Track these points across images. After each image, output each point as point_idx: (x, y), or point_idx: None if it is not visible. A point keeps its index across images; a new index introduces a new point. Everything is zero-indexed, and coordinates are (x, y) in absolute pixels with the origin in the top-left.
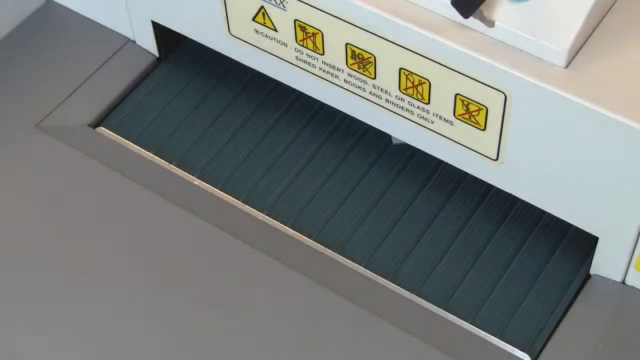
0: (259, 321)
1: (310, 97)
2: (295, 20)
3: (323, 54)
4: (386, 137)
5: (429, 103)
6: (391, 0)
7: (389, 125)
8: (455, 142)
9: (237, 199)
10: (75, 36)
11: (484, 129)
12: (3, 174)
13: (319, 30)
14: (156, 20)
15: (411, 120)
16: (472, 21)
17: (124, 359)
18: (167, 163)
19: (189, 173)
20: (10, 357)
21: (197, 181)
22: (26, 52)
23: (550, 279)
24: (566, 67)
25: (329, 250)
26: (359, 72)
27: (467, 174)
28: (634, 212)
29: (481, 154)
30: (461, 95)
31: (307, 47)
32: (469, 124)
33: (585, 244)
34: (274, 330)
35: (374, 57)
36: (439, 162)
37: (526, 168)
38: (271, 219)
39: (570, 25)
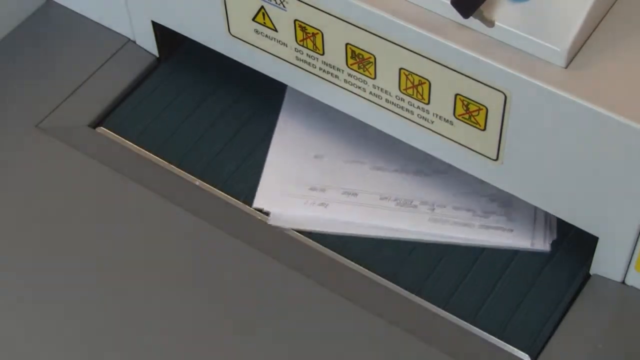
0: (262, 322)
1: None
2: (295, 20)
3: (323, 54)
4: None
5: (429, 103)
6: (391, 0)
7: (389, 125)
8: (455, 142)
9: (238, 199)
10: (75, 36)
11: (484, 129)
12: (3, 174)
13: (319, 30)
14: (156, 20)
15: (411, 120)
16: (472, 21)
17: (124, 359)
18: (167, 163)
19: (189, 173)
20: (10, 356)
21: (197, 181)
22: (26, 52)
23: (550, 279)
24: (566, 67)
25: (329, 250)
26: (359, 72)
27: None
28: (634, 212)
29: (481, 154)
30: (461, 95)
31: (307, 47)
32: (469, 124)
33: (585, 244)
34: (269, 327)
35: (374, 57)
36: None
37: (526, 168)
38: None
39: (570, 26)
